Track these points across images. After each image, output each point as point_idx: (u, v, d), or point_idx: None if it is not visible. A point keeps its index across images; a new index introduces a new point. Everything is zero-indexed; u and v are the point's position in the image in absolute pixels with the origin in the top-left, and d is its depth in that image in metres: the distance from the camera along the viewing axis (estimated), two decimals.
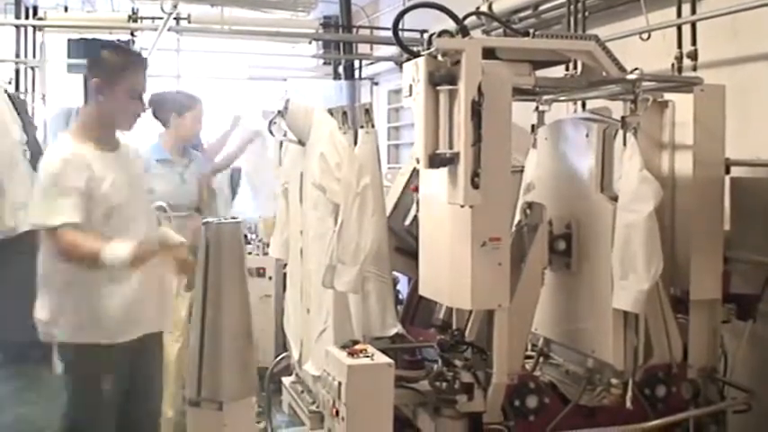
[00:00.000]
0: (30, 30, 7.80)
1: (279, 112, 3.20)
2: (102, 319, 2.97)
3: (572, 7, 4.70)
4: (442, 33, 2.56)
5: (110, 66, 3.00)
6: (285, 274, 3.73)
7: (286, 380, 3.49)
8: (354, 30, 8.33)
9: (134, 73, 3.03)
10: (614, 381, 2.92)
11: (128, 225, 2.99)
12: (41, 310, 3.03)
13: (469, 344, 2.86)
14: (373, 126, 3.08)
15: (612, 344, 2.90)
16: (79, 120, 3.10)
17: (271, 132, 3.30)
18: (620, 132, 2.91)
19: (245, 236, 5.38)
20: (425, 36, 2.63)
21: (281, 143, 3.44)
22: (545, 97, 3.29)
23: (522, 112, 3.22)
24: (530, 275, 2.88)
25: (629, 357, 2.93)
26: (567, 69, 3.66)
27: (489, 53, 2.66)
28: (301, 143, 3.23)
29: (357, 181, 2.91)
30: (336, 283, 2.91)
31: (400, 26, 2.72)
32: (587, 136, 3.06)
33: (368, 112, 3.07)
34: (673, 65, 4.02)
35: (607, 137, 3.02)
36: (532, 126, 3.37)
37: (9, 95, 6.07)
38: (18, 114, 6.03)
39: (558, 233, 3.09)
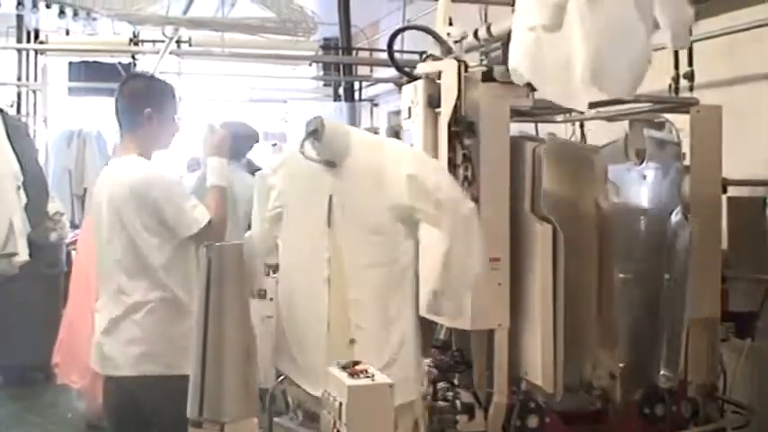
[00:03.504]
0: (31, 53, 7.87)
1: (311, 132, 2.96)
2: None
3: None
4: (428, 57, 2.59)
5: (160, 93, 3.16)
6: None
7: None
8: (354, 52, 8.37)
9: (174, 98, 3.23)
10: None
11: None
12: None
13: (467, 363, 2.87)
14: None
15: (542, 365, 2.79)
16: (133, 144, 3.11)
17: (302, 153, 3.07)
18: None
19: None
20: (422, 58, 2.66)
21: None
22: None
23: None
24: None
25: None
26: None
27: (488, 76, 2.69)
28: (330, 164, 3.04)
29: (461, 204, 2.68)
30: (444, 310, 2.71)
31: (400, 48, 2.75)
32: (522, 154, 2.92)
33: None
34: (670, 85, 4.05)
35: (537, 155, 2.90)
36: None
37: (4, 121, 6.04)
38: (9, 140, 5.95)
39: None
